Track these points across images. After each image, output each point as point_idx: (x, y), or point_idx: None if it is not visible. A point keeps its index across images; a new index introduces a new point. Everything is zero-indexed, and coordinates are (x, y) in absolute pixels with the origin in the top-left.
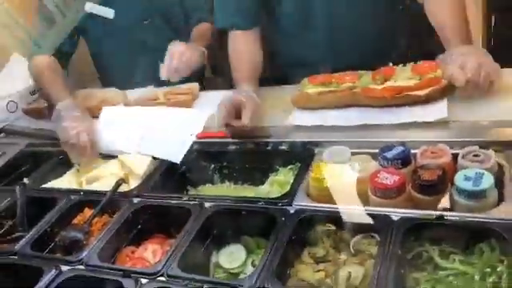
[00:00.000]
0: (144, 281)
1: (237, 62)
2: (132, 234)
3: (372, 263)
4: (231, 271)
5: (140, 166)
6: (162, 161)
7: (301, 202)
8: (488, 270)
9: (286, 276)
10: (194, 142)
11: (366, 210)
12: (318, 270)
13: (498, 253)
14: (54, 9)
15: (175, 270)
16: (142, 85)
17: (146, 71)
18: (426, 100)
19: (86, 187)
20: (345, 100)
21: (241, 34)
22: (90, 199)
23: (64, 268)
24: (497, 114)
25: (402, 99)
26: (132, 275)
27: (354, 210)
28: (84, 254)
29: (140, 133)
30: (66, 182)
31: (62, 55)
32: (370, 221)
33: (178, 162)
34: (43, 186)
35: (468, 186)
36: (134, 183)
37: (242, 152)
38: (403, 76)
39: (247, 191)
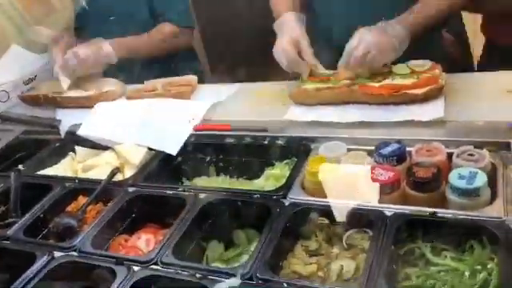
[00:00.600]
0: (136, 268)
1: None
2: (126, 223)
3: (364, 258)
4: (224, 260)
5: (136, 156)
6: (158, 151)
7: (296, 196)
8: (478, 267)
9: (279, 267)
10: (191, 134)
11: (359, 205)
12: (311, 263)
13: (488, 250)
14: None
15: (169, 258)
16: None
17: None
18: (423, 99)
19: (81, 175)
20: (342, 97)
21: None
22: (84, 187)
23: (57, 254)
24: (492, 115)
25: (399, 97)
26: (125, 262)
27: (348, 205)
28: (77, 240)
29: (137, 124)
30: (61, 169)
31: None
32: (363, 216)
33: (174, 154)
34: (38, 172)
35: (462, 184)
36: (129, 173)
37: (239, 145)
38: (401, 74)
39: (242, 184)
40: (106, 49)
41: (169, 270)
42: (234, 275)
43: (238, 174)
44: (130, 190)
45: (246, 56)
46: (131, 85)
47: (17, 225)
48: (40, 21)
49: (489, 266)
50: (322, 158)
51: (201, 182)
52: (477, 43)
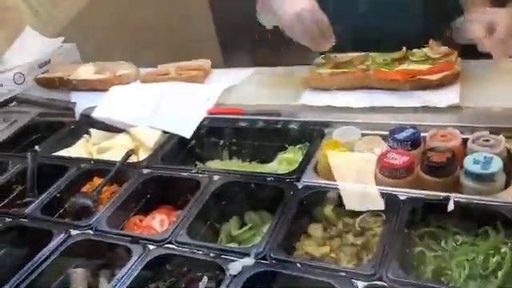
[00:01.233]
0: (152, 247)
1: None
2: (140, 204)
3: (377, 241)
4: (238, 240)
5: (150, 139)
6: (173, 134)
7: (309, 179)
8: (492, 251)
9: (292, 248)
10: (205, 118)
11: (373, 189)
12: (324, 245)
13: (502, 235)
14: None
15: (183, 237)
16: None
17: None
18: (439, 85)
19: (96, 157)
20: (357, 82)
21: None
22: (99, 168)
23: (73, 232)
24: (508, 101)
25: (414, 83)
26: (140, 241)
27: (361, 189)
28: (93, 219)
29: (152, 106)
30: (76, 151)
31: None
32: (376, 199)
33: (188, 137)
34: (54, 154)
35: (477, 169)
36: (143, 155)
37: (252, 129)
38: (416, 60)
39: (255, 168)
40: None
41: (183, 249)
42: (248, 255)
43: (251, 158)
44: (145, 171)
45: (260, 41)
46: (144, 68)
47: (34, 204)
48: (56, 3)
49: (502, 251)
50: (336, 142)
51: (214, 165)
52: None
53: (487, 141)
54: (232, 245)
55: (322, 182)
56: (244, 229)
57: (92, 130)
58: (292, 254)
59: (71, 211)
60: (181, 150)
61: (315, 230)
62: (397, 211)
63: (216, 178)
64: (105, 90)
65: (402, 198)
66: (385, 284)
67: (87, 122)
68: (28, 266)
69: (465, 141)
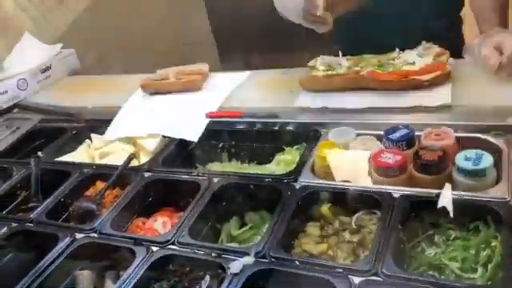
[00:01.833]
0: (155, 248)
1: None
2: (143, 207)
3: (372, 238)
4: (239, 240)
5: (150, 143)
6: (172, 138)
7: (306, 179)
8: (483, 245)
9: (291, 247)
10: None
11: (368, 188)
12: (321, 243)
13: (493, 229)
14: None
15: (186, 238)
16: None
17: None
18: (431, 85)
19: (97, 162)
20: (351, 83)
21: None
22: (102, 172)
23: (78, 235)
24: (498, 99)
25: (407, 83)
26: (144, 243)
27: (356, 187)
28: (97, 222)
29: (157, 119)
30: (78, 156)
31: None
32: (372, 198)
33: (196, 141)
34: (57, 159)
35: (468, 165)
36: (144, 159)
37: (250, 132)
38: (409, 60)
39: (254, 169)
40: None
41: (186, 250)
42: (248, 254)
43: (250, 160)
44: (146, 175)
45: (256, 44)
46: (143, 74)
47: (39, 208)
48: (53, 10)
49: (492, 244)
50: (331, 143)
51: (214, 167)
52: None
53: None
54: (233, 244)
55: (319, 181)
56: (244, 229)
57: (93, 135)
58: (290, 252)
59: (75, 215)
60: (181, 154)
61: (313, 228)
62: (391, 209)
63: (216, 180)
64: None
65: (395, 195)
66: (380, 279)
67: (88, 128)
68: (35, 269)
69: (459, 139)
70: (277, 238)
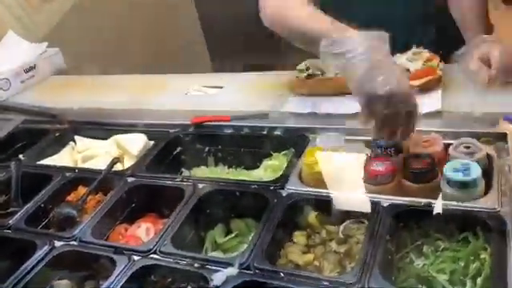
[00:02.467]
0: (136, 258)
1: None
2: (125, 213)
3: (360, 248)
4: (224, 248)
5: (135, 147)
6: (157, 142)
7: (293, 186)
8: (472, 257)
9: (276, 256)
10: (190, 125)
11: (356, 196)
12: (307, 253)
13: (482, 241)
14: None
15: (168, 247)
16: None
17: None
18: (421, 90)
19: (80, 165)
20: (341, 88)
21: None
22: (84, 177)
23: (57, 243)
24: (488, 106)
25: None
26: (125, 252)
27: (344, 196)
28: (78, 230)
29: None
30: (61, 159)
31: None
32: (359, 206)
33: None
34: (38, 162)
35: (455, 176)
36: (128, 163)
37: (237, 136)
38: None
39: (241, 175)
40: None
41: (168, 260)
42: (231, 265)
43: (237, 165)
44: (130, 180)
45: (246, 45)
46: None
47: (18, 214)
48: (38, 9)
49: (482, 257)
50: (319, 149)
51: (200, 172)
52: None
53: (468, 147)
54: (217, 253)
55: (306, 189)
56: (229, 236)
57: (77, 138)
58: (276, 262)
59: (56, 221)
60: (166, 158)
61: (299, 237)
62: (379, 218)
63: (201, 186)
64: None
65: (384, 204)
66: None
67: (72, 130)
68: (11, 278)
69: (447, 146)
70: (262, 248)
